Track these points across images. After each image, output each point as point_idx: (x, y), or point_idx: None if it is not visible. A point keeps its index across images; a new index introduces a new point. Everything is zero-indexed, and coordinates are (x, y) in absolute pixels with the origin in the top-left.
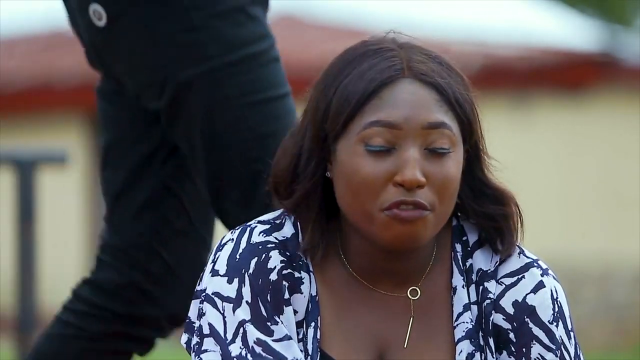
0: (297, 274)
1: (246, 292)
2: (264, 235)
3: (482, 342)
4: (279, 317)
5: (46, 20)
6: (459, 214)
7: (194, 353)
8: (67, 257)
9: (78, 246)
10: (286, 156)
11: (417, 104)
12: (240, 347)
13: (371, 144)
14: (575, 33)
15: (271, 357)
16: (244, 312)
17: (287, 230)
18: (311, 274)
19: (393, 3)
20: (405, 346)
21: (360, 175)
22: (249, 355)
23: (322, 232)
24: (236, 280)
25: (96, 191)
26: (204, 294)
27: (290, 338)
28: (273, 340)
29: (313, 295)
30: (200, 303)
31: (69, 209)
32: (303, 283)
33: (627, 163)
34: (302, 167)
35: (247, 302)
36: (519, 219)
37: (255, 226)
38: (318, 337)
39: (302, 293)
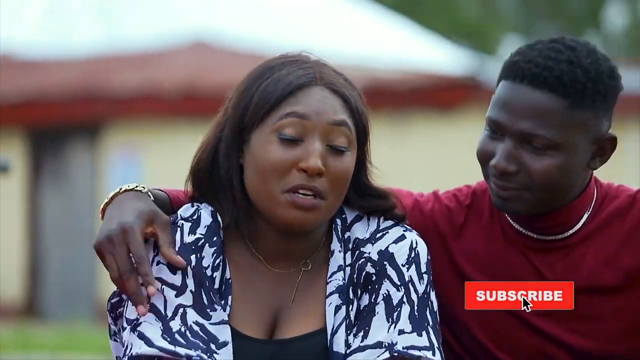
0: (218, 260)
1: (190, 282)
2: (192, 234)
3: (351, 296)
4: (217, 304)
5: None
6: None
7: (130, 326)
8: (8, 257)
9: (18, 246)
10: (208, 145)
11: (326, 105)
12: (180, 324)
13: (284, 133)
14: (447, 59)
15: (206, 337)
16: (186, 299)
17: (205, 220)
18: (226, 260)
19: (293, 33)
20: (290, 305)
21: (271, 159)
22: (187, 332)
23: (240, 212)
24: (179, 272)
25: (35, 197)
26: (147, 277)
27: (226, 322)
28: (210, 324)
29: (227, 278)
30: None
31: (10, 213)
32: (222, 266)
33: None
34: (222, 155)
35: (191, 291)
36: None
37: (182, 224)
38: (228, 312)
39: (220, 275)
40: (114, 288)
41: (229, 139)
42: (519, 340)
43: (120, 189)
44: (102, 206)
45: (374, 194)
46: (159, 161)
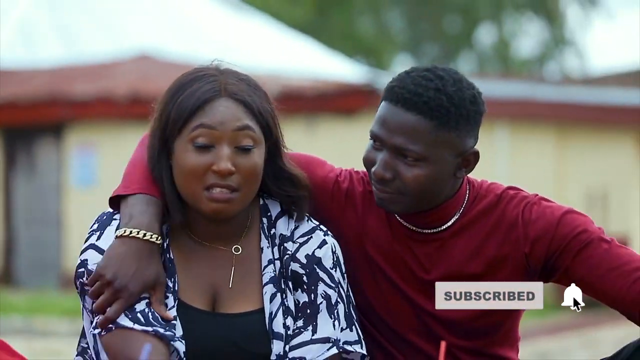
0: (166, 244)
1: None
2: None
3: (282, 286)
4: (167, 292)
5: None
6: (265, 194)
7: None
8: None
9: None
10: (148, 150)
11: (230, 114)
12: (145, 306)
13: (197, 142)
14: (348, 72)
15: (163, 322)
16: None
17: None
18: (169, 245)
19: (220, 49)
20: (230, 286)
21: (189, 165)
22: (149, 314)
23: (177, 205)
24: None
25: (9, 184)
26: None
27: (172, 306)
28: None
29: (172, 258)
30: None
31: None
32: (164, 250)
33: None
34: (155, 160)
35: None
36: (309, 196)
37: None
38: (177, 288)
39: (166, 256)
40: (77, 261)
41: (156, 146)
42: (405, 314)
43: (145, 234)
44: (118, 233)
45: (287, 178)
46: (111, 155)
